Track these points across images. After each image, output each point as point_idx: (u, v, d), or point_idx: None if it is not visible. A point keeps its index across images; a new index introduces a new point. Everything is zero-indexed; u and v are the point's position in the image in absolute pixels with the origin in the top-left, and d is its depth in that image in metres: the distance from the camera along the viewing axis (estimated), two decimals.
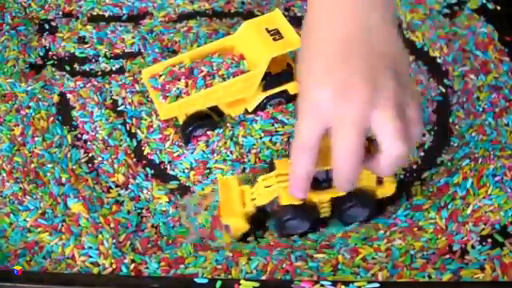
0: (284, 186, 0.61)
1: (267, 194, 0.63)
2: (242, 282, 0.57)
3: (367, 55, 0.53)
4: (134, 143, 0.73)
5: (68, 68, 0.81)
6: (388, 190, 0.64)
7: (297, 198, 0.61)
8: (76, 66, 0.81)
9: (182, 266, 0.61)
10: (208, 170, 0.69)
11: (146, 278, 0.60)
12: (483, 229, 0.63)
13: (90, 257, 0.62)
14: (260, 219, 0.65)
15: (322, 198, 0.63)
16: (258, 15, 0.83)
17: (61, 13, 0.87)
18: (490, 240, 0.62)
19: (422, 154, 0.70)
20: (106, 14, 0.86)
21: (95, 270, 0.61)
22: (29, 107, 0.75)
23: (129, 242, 0.63)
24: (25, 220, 0.65)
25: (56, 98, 0.77)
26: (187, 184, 0.69)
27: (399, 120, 0.52)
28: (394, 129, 0.52)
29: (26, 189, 0.67)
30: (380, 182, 0.63)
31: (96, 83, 0.78)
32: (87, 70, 0.80)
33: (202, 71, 0.70)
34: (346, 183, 0.56)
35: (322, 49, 0.55)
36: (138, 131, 0.73)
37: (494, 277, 0.59)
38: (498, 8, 0.83)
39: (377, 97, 0.52)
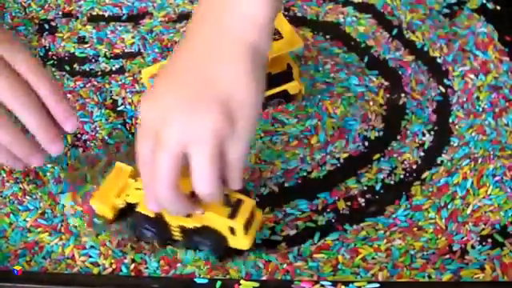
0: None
1: (135, 195, 0.62)
2: (242, 281, 0.57)
3: (197, 85, 0.52)
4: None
5: (68, 68, 0.80)
6: (240, 244, 0.60)
7: (150, 210, 0.59)
8: (76, 65, 0.81)
9: (181, 265, 0.61)
10: None
11: (146, 278, 0.60)
12: (483, 229, 0.63)
13: (90, 257, 0.62)
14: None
15: (172, 222, 0.60)
16: None
17: (61, 13, 0.87)
18: (490, 240, 0.62)
19: (422, 153, 0.70)
20: (106, 14, 0.86)
21: (95, 270, 0.61)
22: None
23: (128, 243, 0.63)
24: (25, 220, 0.65)
25: None
26: None
27: (209, 162, 0.52)
28: (202, 170, 0.52)
29: (25, 189, 0.67)
30: (233, 232, 0.59)
31: (96, 83, 0.78)
32: (87, 69, 0.80)
33: None
34: (166, 204, 0.55)
35: (167, 73, 0.55)
36: None
37: (494, 277, 0.59)
38: (498, 8, 0.83)
39: (191, 133, 0.51)
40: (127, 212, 0.64)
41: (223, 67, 0.53)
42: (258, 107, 0.53)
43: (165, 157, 0.52)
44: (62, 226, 0.65)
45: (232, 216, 0.58)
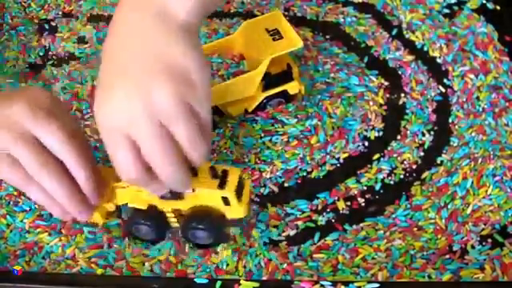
0: (133, 189, 0.60)
1: (123, 195, 0.61)
2: (242, 281, 0.57)
3: (140, 59, 0.53)
4: None
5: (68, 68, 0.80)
6: (236, 212, 0.60)
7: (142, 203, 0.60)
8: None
9: (181, 265, 0.61)
10: None
11: (146, 278, 0.60)
12: (483, 229, 0.63)
13: (90, 256, 0.62)
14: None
15: (165, 207, 0.60)
16: (257, 15, 0.83)
17: (61, 13, 0.87)
18: (489, 240, 0.62)
19: (422, 153, 0.70)
20: (106, 14, 0.86)
21: (95, 270, 0.61)
22: None
23: (128, 242, 0.64)
24: (22, 221, 0.65)
25: None
26: None
27: (187, 121, 0.52)
28: (187, 130, 0.53)
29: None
30: (226, 202, 0.59)
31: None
32: None
33: None
34: (173, 181, 0.55)
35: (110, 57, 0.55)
36: None
37: (494, 277, 0.59)
38: (498, 8, 0.83)
39: (158, 104, 0.52)
40: (116, 214, 0.64)
41: (155, 37, 0.54)
42: (204, 62, 0.55)
43: (152, 140, 0.52)
44: (61, 226, 0.65)
45: (221, 186, 0.58)
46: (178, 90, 0.52)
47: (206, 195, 0.59)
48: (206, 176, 0.59)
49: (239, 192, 0.59)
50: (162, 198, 0.59)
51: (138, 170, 0.53)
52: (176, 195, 0.59)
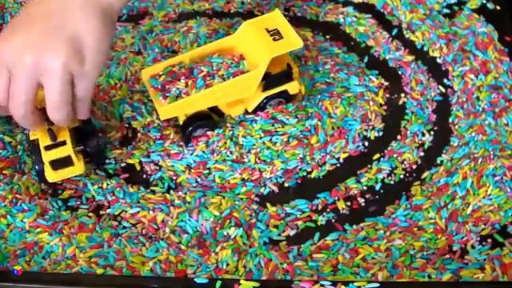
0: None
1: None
2: (241, 281, 0.57)
3: (48, 27, 0.60)
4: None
5: None
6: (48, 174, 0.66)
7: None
8: None
9: (181, 265, 0.61)
10: (208, 171, 0.69)
11: (145, 278, 0.60)
12: (483, 229, 0.63)
13: (90, 256, 0.62)
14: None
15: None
16: (257, 15, 0.83)
17: None
18: (490, 240, 0.62)
19: (422, 153, 0.70)
20: None
21: (95, 270, 0.61)
22: None
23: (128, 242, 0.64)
24: (22, 221, 0.65)
25: None
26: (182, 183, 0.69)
27: (59, 93, 0.60)
28: (53, 99, 0.60)
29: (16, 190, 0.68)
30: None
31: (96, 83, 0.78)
32: None
33: (202, 71, 0.70)
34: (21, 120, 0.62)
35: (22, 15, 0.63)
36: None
37: (494, 277, 0.59)
38: (498, 8, 0.83)
39: (43, 68, 0.58)
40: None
41: (74, 12, 0.60)
42: (105, 49, 0.62)
43: (20, 84, 0.59)
44: (62, 226, 0.65)
45: (46, 149, 0.65)
46: (68, 61, 0.59)
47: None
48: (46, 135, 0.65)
49: (59, 163, 0.66)
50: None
51: (2, 97, 0.61)
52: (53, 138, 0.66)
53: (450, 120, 0.73)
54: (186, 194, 0.68)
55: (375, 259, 0.61)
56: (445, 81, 0.77)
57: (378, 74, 0.77)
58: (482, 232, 0.63)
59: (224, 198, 0.67)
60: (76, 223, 0.65)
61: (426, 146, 0.71)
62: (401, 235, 0.63)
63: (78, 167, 0.67)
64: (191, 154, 0.70)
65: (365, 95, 0.75)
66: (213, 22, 0.83)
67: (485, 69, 0.76)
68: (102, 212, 0.67)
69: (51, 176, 0.66)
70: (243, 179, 0.69)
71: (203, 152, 0.70)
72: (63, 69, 0.59)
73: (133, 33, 0.83)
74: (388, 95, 0.76)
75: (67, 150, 0.65)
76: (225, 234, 0.64)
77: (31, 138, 0.67)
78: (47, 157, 0.65)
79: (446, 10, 0.83)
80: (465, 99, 0.74)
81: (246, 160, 0.70)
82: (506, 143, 0.69)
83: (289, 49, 0.69)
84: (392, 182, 0.68)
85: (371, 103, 0.74)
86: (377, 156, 0.70)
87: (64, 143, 0.65)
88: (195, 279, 0.58)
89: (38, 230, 0.64)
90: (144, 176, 0.70)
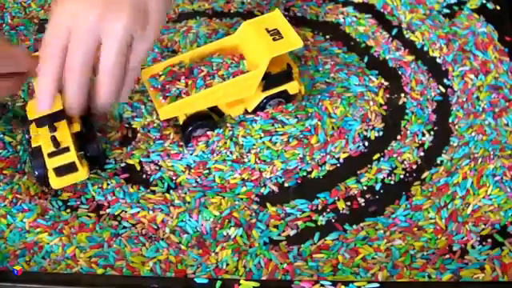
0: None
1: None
2: (241, 281, 0.57)
3: None
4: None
5: None
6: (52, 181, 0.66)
7: (41, 111, 0.64)
8: None
9: (181, 265, 0.61)
10: (207, 171, 0.69)
11: (145, 278, 0.60)
12: (483, 229, 0.63)
13: (90, 256, 0.62)
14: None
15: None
16: (257, 15, 0.83)
17: None
18: (490, 240, 0.62)
19: (422, 153, 0.70)
20: None
21: (96, 270, 0.61)
22: None
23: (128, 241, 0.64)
24: (22, 221, 0.65)
25: None
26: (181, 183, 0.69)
27: (117, 53, 0.59)
28: (109, 59, 0.60)
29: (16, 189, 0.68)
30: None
31: None
32: None
33: (202, 71, 0.70)
34: (71, 88, 0.62)
35: None
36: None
37: (494, 277, 0.59)
38: (498, 8, 0.83)
39: (105, 27, 0.58)
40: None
41: None
42: (165, 14, 0.63)
43: (79, 43, 0.59)
44: (62, 226, 0.65)
45: (50, 155, 0.64)
46: (131, 23, 0.59)
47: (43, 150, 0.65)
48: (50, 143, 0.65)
49: (61, 171, 0.65)
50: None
51: (55, 62, 0.60)
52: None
53: (450, 120, 0.73)
54: (185, 193, 0.68)
55: (375, 259, 0.61)
56: (445, 81, 0.77)
57: (378, 73, 0.77)
58: (482, 232, 0.63)
59: (224, 197, 0.67)
60: (76, 223, 0.65)
61: (426, 146, 0.71)
62: (401, 235, 0.63)
63: (82, 173, 0.66)
64: (191, 154, 0.70)
65: (365, 95, 0.75)
66: (213, 22, 0.83)
67: (485, 69, 0.76)
68: (101, 212, 0.67)
69: (55, 183, 0.66)
70: (243, 179, 0.69)
71: (203, 152, 0.70)
72: (125, 30, 0.59)
73: None
74: (388, 95, 0.76)
75: (71, 157, 0.65)
76: (225, 234, 0.64)
77: (33, 145, 0.66)
78: (51, 164, 0.65)
79: (446, 10, 0.83)
80: (465, 99, 0.74)
81: (245, 160, 0.70)
82: (506, 143, 0.69)
83: (289, 49, 0.69)
84: (392, 182, 0.68)
85: (371, 103, 0.74)
86: (377, 156, 0.70)
87: (67, 149, 0.65)
88: (195, 279, 0.58)
89: (38, 229, 0.65)
90: (144, 176, 0.70)
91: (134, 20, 0.59)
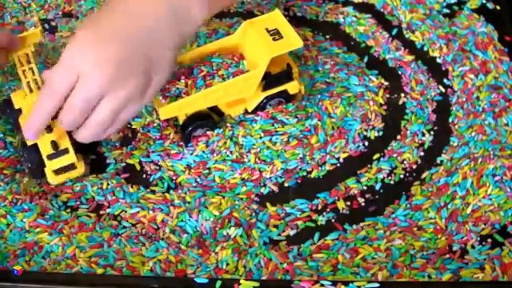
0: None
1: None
2: (241, 281, 0.57)
3: (139, 50, 0.61)
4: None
5: None
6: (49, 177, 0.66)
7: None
8: None
9: (181, 265, 0.61)
10: (207, 171, 0.69)
11: (145, 278, 0.60)
12: (483, 229, 0.63)
13: (90, 256, 0.62)
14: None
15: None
16: (257, 15, 0.83)
17: (61, 13, 0.87)
18: (489, 240, 0.62)
19: (422, 153, 0.70)
20: None
21: (96, 270, 0.61)
22: None
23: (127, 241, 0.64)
24: (22, 221, 0.65)
25: None
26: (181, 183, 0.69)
27: (109, 114, 0.61)
28: (101, 118, 0.62)
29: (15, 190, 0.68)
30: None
31: None
32: None
33: (202, 71, 0.70)
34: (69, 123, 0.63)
35: (114, 23, 0.62)
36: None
37: (494, 277, 0.59)
38: (498, 8, 0.83)
39: (112, 87, 0.60)
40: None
41: (163, 45, 0.62)
42: (163, 82, 0.65)
43: (81, 94, 0.60)
44: (62, 226, 0.65)
45: (49, 158, 0.65)
46: (133, 93, 0.61)
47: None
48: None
49: (60, 170, 0.66)
50: None
51: (56, 100, 0.62)
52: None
53: (450, 120, 0.73)
54: (185, 193, 0.68)
55: (375, 259, 0.61)
56: (445, 81, 0.77)
57: (378, 73, 0.77)
58: (482, 232, 0.63)
59: (224, 197, 0.67)
60: (76, 223, 0.65)
61: (425, 146, 0.71)
62: (401, 235, 0.63)
63: (80, 169, 0.67)
64: (191, 154, 0.70)
65: (365, 95, 0.75)
66: (213, 22, 0.83)
67: (485, 69, 0.76)
68: (101, 212, 0.67)
69: (53, 179, 0.66)
70: (243, 179, 0.69)
71: (203, 152, 0.70)
72: (127, 97, 0.61)
73: None
74: (388, 95, 0.76)
75: (71, 159, 0.65)
76: (225, 233, 0.64)
77: (29, 144, 0.66)
78: (51, 166, 0.65)
79: (446, 10, 0.83)
80: (465, 99, 0.74)
81: (245, 160, 0.70)
82: (506, 143, 0.69)
83: (289, 49, 0.69)
84: (392, 182, 0.68)
85: (371, 103, 0.74)
86: (377, 156, 0.70)
87: (67, 151, 0.65)
88: (195, 279, 0.57)
89: (38, 229, 0.65)
90: (144, 176, 0.70)
91: (137, 89, 0.61)
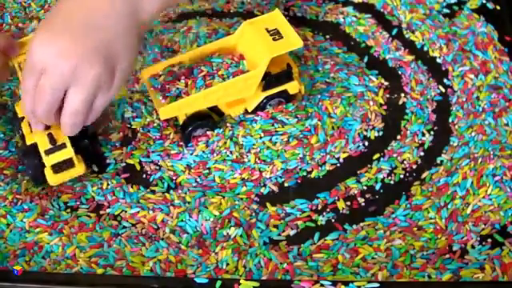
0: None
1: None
2: (241, 281, 0.57)
3: (97, 38, 0.61)
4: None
5: None
6: (49, 178, 0.66)
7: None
8: None
9: (181, 265, 0.61)
10: (207, 171, 0.69)
11: (145, 278, 0.60)
12: (483, 229, 0.63)
13: (90, 256, 0.62)
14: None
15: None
16: (257, 15, 0.83)
17: None
18: (489, 240, 0.62)
19: (422, 153, 0.70)
20: None
21: (96, 270, 0.61)
22: None
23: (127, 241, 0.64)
24: (22, 221, 0.65)
25: None
26: (181, 183, 0.69)
27: (81, 103, 0.62)
28: (73, 107, 0.62)
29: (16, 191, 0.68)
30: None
31: None
32: None
33: (202, 71, 0.70)
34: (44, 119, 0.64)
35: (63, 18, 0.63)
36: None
37: (494, 277, 0.59)
38: (498, 8, 0.83)
39: (76, 77, 0.60)
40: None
41: (117, 32, 0.62)
42: (128, 74, 0.66)
43: (49, 86, 0.61)
44: (62, 225, 0.65)
45: (47, 153, 0.65)
46: (101, 77, 0.61)
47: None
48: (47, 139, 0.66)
49: (59, 166, 0.66)
50: None
51: (30, 97, 0.63)
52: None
53: (450, 120, 0.73)
54: (185, 193, 0.68)
55: (375, 259, 0.61)
56: (445, 81, 0.77)
57: (378, 73, 0.77)
58: (482, 232, 0.63)
59: (224, 197, 0.67)
60: (76, 223, 0.65)
61: (425, 146, 0.71)
62: (401, 235, 0.63)
63: (79, 168, 0.67)
64: (191, 154, 0.70)
65: (365, 95, 0.75)
66: (213, 22, 0.83)
67: (485, 69, 0.76)
68: (101, 212, 0.67)
69: (53, 179, 0.66)
70: (243, 179, 0.69)
71: (203, 152, 0.70)
72: (96, 82, 0.61)
73: None
74: (388, 95, 0.76)
75: (68, 153, 0.65)
76: (225, 233, 0.64)
77: (28, 143, 0.67)
78: (49, 161, 0.65)
79: (446, 10, 0.83)
80: (465, 99, 0.74)
81: (245, 160, 0.70)
82: (506, 143, 0.69)
83: (289, 49, 0.69)
84: (392, 182, 0.68)
85: (371, 103, 0.74)
86: (377, 156, 0.70)
87: (64, 146, 0.66)
88: (195, 279, 0.57)
89: (38, 229, 0.65)
90: (144, 176, 0.70)
91: (101, 77, 0.61)
